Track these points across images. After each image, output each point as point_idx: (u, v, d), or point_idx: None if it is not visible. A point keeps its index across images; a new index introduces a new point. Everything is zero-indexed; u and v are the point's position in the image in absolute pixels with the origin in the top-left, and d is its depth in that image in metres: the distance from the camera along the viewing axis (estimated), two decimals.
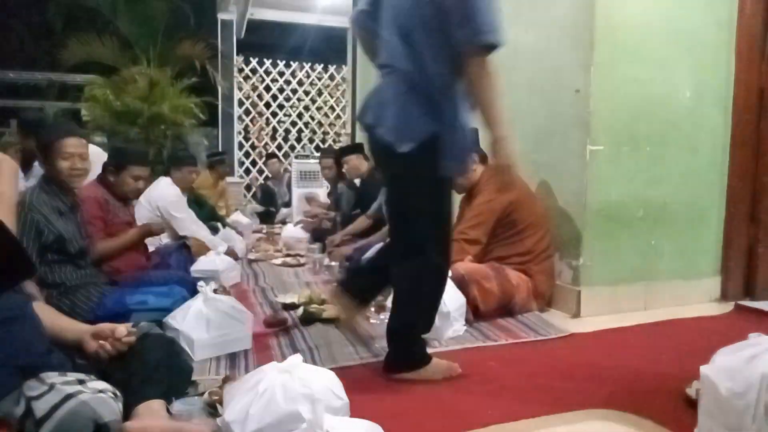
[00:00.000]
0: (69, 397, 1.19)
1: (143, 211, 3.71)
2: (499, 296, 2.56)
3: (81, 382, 1.27)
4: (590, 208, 2.67)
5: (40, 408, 1.17)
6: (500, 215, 2.67)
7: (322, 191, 6.08)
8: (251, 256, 4.22)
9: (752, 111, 2.88)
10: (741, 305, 2.82)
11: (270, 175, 7.60)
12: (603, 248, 2.72)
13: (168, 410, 1.44)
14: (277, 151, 8.54)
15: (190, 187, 4.28)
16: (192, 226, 3.78)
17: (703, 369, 1.34)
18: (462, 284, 2.45)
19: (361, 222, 4.26)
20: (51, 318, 1.54)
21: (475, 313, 2.51)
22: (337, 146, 9.11)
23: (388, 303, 2.40)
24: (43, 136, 2.25)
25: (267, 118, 8.97)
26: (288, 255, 4.30)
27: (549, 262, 2.77)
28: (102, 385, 1.29)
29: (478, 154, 2.79)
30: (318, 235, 4.78)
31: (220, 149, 8.58)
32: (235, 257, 4.11)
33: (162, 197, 3.72)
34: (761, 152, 2.89)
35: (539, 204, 2.82)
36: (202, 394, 1.64)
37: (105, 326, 1.52)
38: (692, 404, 1.54)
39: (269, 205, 7.21)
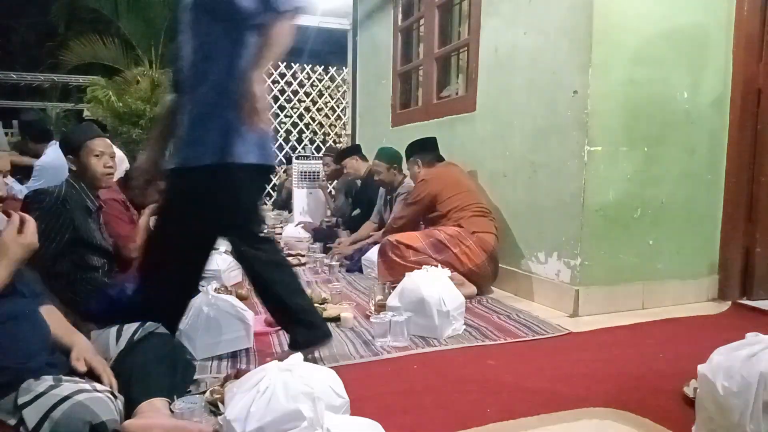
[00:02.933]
0: (64, 399, 1.20)
1: None
2: (479, 250, 3.04)
3: (77, 384, 1.28)
4: (588, 208, 2.69)
5: (31, 416, 1.18)
6: (426, 209, 3.32)
7: (317, 192, 6.08)
8: None
9: (750, 112, 2.89)
10: (738, 304, 2.83)
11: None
12: (601, 248, 2.73)
13: (170, 408, 1.46)
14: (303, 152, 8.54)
15: None
16: None
17: (701, 368, 1.36)
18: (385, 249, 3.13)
19: (368, 227, 4.25)
20: (53, 323, 1.53)
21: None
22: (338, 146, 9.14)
23: (389, 302, 2.43)
24: (73, 137, 2.39)
25: None
26: (289, 255, 4.30)
27: (477, 237, 3.08)
28: (99, 386, 1.31)
29: (423, 160, 3.48)
30: (319, 235, 4.80)
31: None
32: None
33: None
34: (758, 152, 2.90)
35: (468, 191, 3.27)
36: (204, 392, 1.66)
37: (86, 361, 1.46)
38: (690, 403, 1.56)
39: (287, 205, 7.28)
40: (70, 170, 2.35)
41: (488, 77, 3.49)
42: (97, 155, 2.33)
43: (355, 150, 4.82)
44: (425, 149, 3.55)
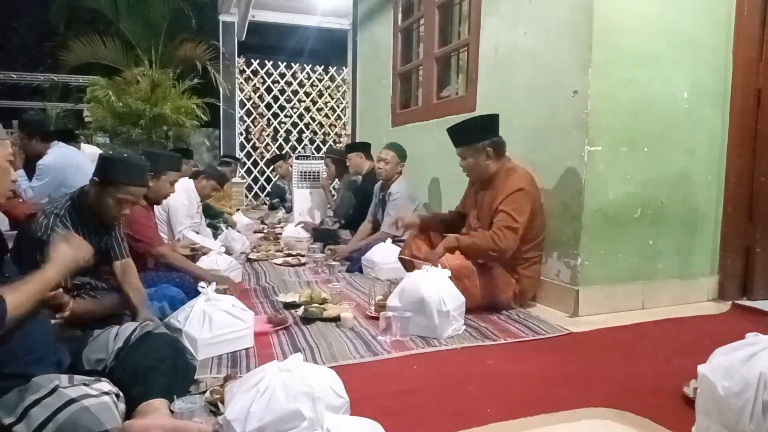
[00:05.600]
0: (71, 402, 1.20)
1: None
2: (480, 294, 2.65)
3: (86, 384, 1.28)
4: (588, 208, 2.69)
5: (38, 415, 1.17)
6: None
7: (318, 191, 6.08)
8: (252, 256, 4.23)
9: (750, 112, 2.89)
10: (738, 304, 2.82)
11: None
12: (601, 248, 2.73)
13: (170, 408, 1.46)
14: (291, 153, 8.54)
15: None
16: (184, 225, 3.77)
17: (701, 368, 1.36)
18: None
19: (365, 230, 4.24)
20: None
21: None
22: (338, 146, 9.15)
23: (389, 302, 2.43)
24: (116, 172, 2.05)
25: (268, 119, 8.98)
26: (289, 255, 4.31)
27: (537, 267, 2.83)
28: (106, 386, 1.30)
29: (493, 148, 2.76)
30: (319, 235, 4.80)
31: (221, 150, 8.62)
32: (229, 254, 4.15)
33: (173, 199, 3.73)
34: (758, 152, 2.89)
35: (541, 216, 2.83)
36: (204, 392, 1.66)
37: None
38: (690, 403, 1.56)
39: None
40: None
41: (488, 77, 3.49)
42: (122, 202, 2.04)
43: (362, 147, 4.83)
44: (496, 131, 2.77)
